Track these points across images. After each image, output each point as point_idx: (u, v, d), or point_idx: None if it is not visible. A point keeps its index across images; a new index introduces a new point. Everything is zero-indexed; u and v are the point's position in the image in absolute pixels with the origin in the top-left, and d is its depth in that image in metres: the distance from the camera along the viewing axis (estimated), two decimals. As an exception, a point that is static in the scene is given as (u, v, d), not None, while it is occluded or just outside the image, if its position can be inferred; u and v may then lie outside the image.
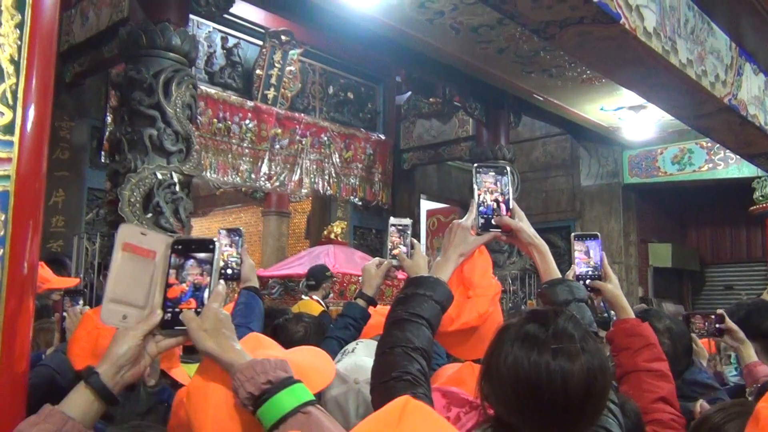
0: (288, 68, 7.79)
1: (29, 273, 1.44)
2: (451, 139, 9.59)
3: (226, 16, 6.69)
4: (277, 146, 7.86)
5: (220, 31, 7.37)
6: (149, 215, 4.64)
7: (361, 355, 1.65)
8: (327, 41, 7.87)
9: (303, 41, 7.73)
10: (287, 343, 1.65)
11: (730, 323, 2.41)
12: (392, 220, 1.98)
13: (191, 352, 3.17)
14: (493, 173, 1.48)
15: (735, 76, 6.19)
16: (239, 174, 7.48)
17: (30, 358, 2.04)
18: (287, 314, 2.65)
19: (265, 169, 7.73)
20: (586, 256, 1.77)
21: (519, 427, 1.12)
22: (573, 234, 1.82)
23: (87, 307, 2.58)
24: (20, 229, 1.39)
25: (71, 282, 4.12)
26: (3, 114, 1.39)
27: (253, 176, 7.66)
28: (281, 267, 7.68)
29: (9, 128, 1.39)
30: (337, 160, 8.58)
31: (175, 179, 4.76)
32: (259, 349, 1.22)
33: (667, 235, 11.21)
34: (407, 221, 1.96)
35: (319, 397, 1.31)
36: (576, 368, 1.08)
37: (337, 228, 7.90)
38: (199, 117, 6.62)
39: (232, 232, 2.12)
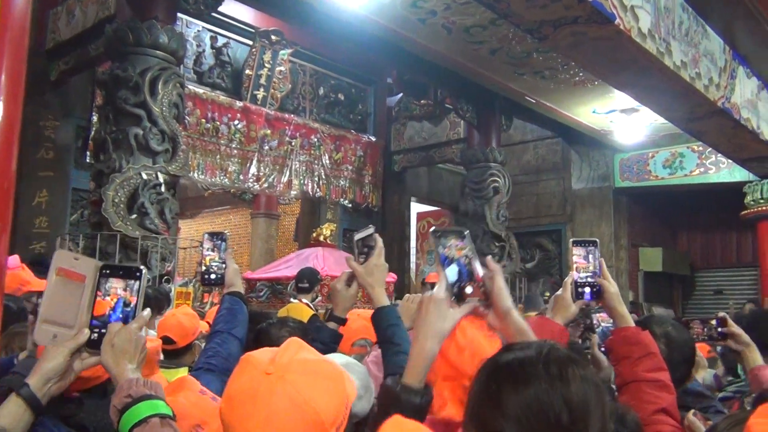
0: (278, 68, 7.73)
1: (-2, 274, 1.36)
2: (442, 141, 9.55)
3: (215, 15, 6.63)
4: (267, 147, 7.78)
5: (210, 30, 7.31)
6: (134, 216, 4.56)
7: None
8: (318, 42, 7.82)
9: (293, 41, 7.68)
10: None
11: (733, 326, 2.33)
12: (356, 235, 1.80)
13: (170, 358, 3.11)
14: (454, 238, 1.29)
15: (728, 80, 6.17)
16: (227, 175, 7.40)
17: (2, 362, 1.95)
18: (271, 318, 2.54)
19: (253, 170, 7.66)
20: (585, 262, 1.74)
21: None
22: (572, 240, 1.78)
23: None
24: (-12, 230, 1.32)
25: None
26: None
27: (241, 177, 7.59)
28: (269, 270, 7.58)
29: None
30: (327, 161, 8.51)
31: (161, 179, 4.68)
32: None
33: (657, 240, 11.21)
34: (369, 230, 1.78)
35: None
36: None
37: (327, 230, 7.81)
38: (187, 117, 6.53)
39: (216, 236, 2.07)
